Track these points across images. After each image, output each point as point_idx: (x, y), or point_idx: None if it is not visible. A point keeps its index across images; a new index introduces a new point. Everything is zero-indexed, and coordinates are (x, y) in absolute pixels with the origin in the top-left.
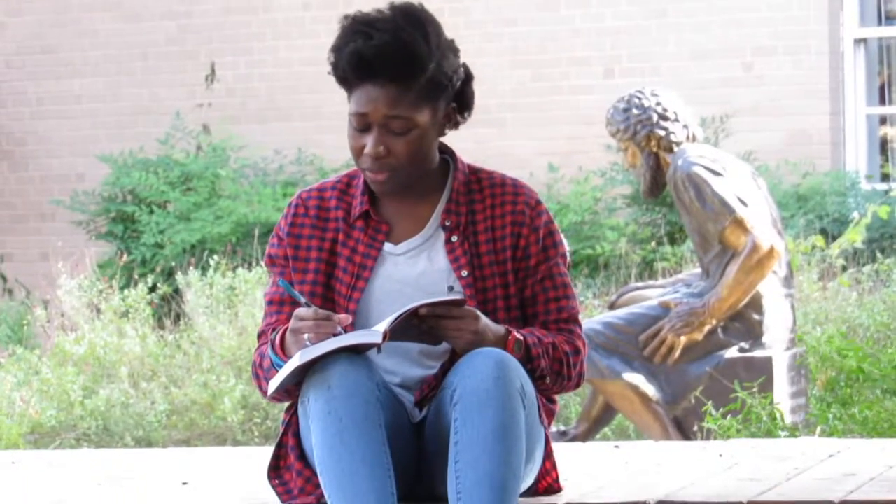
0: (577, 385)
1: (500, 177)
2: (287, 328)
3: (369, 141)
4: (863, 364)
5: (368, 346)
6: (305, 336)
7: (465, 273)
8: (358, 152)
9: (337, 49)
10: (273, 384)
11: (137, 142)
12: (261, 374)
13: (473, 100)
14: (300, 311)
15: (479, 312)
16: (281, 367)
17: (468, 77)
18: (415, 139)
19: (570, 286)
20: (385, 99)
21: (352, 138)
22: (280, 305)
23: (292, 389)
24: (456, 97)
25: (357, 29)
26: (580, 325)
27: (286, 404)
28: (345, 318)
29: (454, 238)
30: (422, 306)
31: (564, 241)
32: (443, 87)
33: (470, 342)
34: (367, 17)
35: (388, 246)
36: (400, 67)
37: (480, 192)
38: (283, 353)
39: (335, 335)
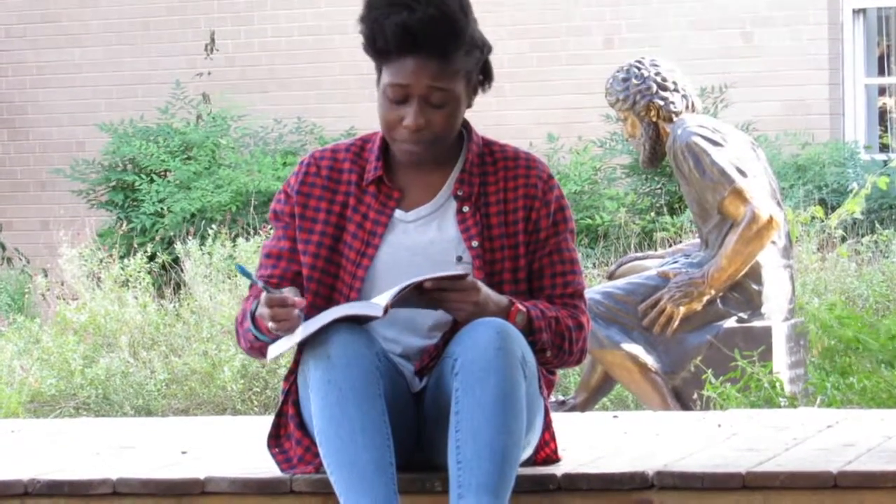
0: (579, 361)
1: (513, 150)
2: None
3: (409, 113)
4: (860, 334)
5: (368, 318)
6: (270, 325)
7: (475, 243)
8: (393, 125)
9: (374, 20)
10: (272, 353)
11: (137, 111)
12: (240, 330)
13: (493, 71)
14: (263, 297)
15: (480, 284)
16: (262, 339)
17: (490, 49)
18: (452, 111)
19: (578, 262)
20: (428, 71)
21: (386, 110)
22: (277, 259)
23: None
24: (482, 70)
25: (396, 0)
26: (585, 301)
27: (286, 372)
28: (300, 301)
29: (465, 208)
30: (426, 280)
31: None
32: (476, 58)
33: (471, 314)
34: None
35: (398, 213)
36: (444, 40)
37: (493, 165)
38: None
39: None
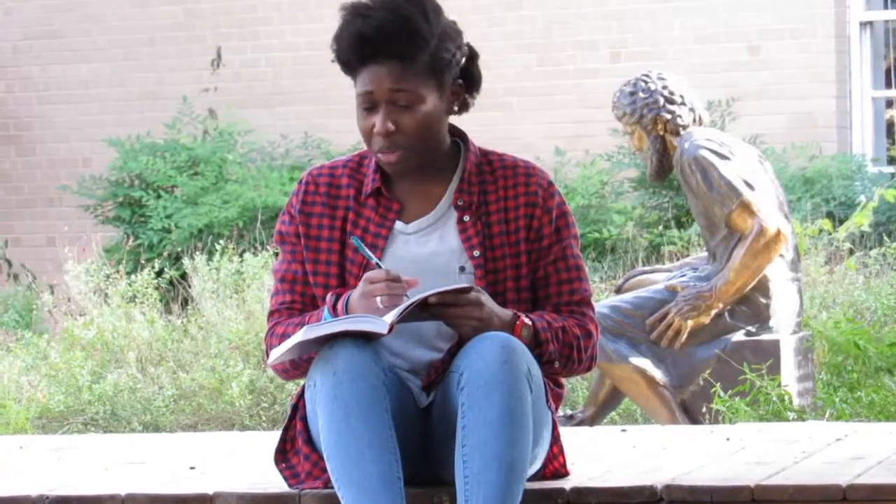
0: (589, 368)
1: (511, 159)
2: (348, 294)
3: (377, 119)
4: (860, 341)
5: (374, 335)
6: (378, 299)
7: (476, 253)
8: (368, 134)
9: (338, 36)
10: (274, 354)
11: (144, 126)
12: (287, 332)
13: (481, 79)
14: (371, 273)
15: (483, 299)
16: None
17: (473, 55)
18: (422, 115)
19: (583, 268)
20: (389, 75)
21: (360, 120)
22: (292, 284)
23: (291, 370)
24: (463, 75)
25: (355, 12)
26: (593, 308)
27: (294, 390)
28: (413, 280)
29: (466, 218)
30: (431, 296)
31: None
32: (446, 63)
33: (474, 328)
34: (365, 1)
35: (399, 224)
36: (401, 42)
37: (492, 174)
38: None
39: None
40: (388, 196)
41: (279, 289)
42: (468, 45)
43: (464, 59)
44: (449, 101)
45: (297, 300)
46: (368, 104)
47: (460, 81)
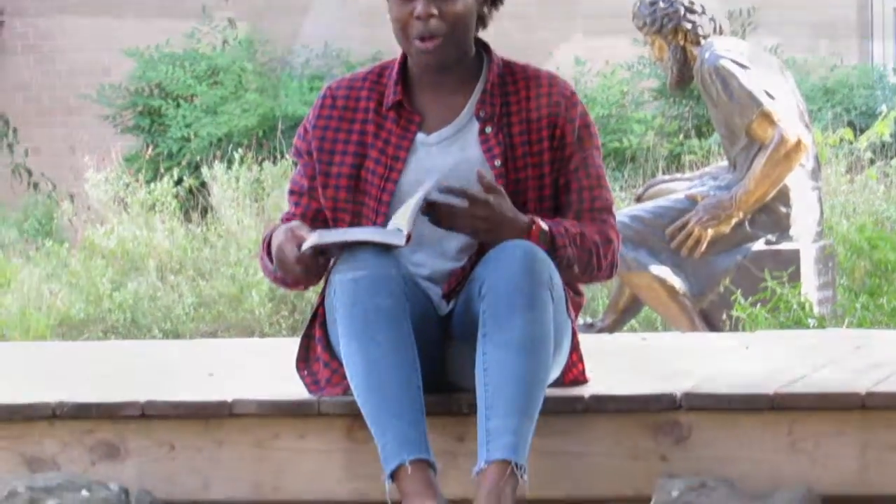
0: (610, 275)
1: (534, 69)
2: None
3: (419, 3)
4: (892, 254)
5: (392, 247)
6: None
7: (497, 163)
8: (405, 22)
9: None
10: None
11: (164, 36)
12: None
13: None
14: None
15: (493, 201)
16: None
17: None
18: (462, 5)
19: (605, 177)
20: None
21: (396, 9)
22: (299, 196)
23: (279, 276)
24: None
25: None
26: (614, 216)
27: (314, 298)
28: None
29: (488, 129)
30: (433, 188)
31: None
32: None
33: (486, 231)
34: None
35: (420, 136)
36: None
37: (514, 85)
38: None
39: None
40: (410, 108)
41: (288, 199)
42: None
43: None
44: (479, 4)
45: (297, 213)
46: None
47: None
